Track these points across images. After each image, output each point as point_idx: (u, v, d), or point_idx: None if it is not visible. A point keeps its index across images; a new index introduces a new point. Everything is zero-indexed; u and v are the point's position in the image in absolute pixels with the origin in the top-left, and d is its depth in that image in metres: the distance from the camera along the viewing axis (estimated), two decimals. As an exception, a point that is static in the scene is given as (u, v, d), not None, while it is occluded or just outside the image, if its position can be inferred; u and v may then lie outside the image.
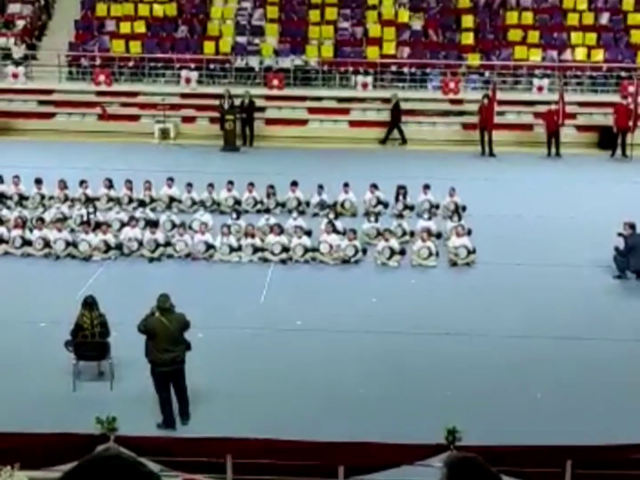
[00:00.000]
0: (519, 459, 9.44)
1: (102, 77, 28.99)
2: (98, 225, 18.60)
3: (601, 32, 29.78)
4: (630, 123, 26.34)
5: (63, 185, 20.63)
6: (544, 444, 9.99)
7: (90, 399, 12.44)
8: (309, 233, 18.58)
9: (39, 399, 12.45)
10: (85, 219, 19.07)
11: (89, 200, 20.00)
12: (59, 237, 18.12)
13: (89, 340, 12.85)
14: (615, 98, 27.63)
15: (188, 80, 29.02)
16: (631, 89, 27.12)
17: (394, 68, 29.43)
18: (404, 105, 28.50)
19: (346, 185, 20.66)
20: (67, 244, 18.09)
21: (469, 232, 18.46)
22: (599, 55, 29.24)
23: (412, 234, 18.79)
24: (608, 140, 27.00)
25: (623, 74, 28.73)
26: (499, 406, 12.50)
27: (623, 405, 12.55)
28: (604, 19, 30.11)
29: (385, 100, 27.99)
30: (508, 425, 11.80)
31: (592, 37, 29.61)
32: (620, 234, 17.26)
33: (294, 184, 20.68)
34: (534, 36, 29.76)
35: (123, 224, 18.87)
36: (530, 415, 12.26)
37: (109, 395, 12.68)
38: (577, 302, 16.10)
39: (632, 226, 17.20)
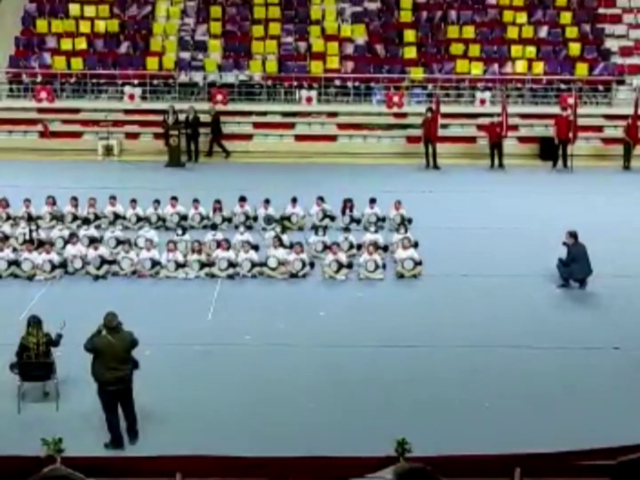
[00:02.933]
0: (468, 469, 9.50)
1: (43, 94, 28.69)
2: (41, 244, 18.34)
3: (540, 45, 30.33)
4: (570, 134, 26.81)
5: (5, 203, 20.33)
6: (493, 453, 10.06)
7: (35, 421, 12.23)
8: (256, 247, 18.55)
9: (-17, 422, 12.21)
10: (28, 237, 18.79)
11: (32, 219, 19.73)
12: (1, 256, 17.82)
13: (34, 361, 12.64)
14: (555, 110, 28.13)
15: (131, 97, 28.84)
16: (570, 100, 27.62)
17: (337, 82, 29.61)
18: (349, 120, 28.71)
19: (294, 199, 20.68)
20: (10, 263, 17.80)
21: (416, 245, 18.60)
22: (538, 67, 29.76)
23: (359, 247, 18.86)
24: (549, 151, 27.47)
25: (562, 86, 29.26)
26: (448, 416, 12.57)
27: (570, 412, 12.70)
28: (543, 32, 30.67)
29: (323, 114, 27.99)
30: (457, 435, 11.87)
31: (531, 50, 30.13)
32: (564, 244, 17.51)
33: (242, 199, 20.65)
34: (475, 50, 30.19)
35: (67, 242, 18.64)
36: (479, 424, 12.35)
37: (54, 416, 12.48)
38: (522, 312, 16.28)
39: (574, 235, 17.45)
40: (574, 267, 17.30)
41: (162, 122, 27.08)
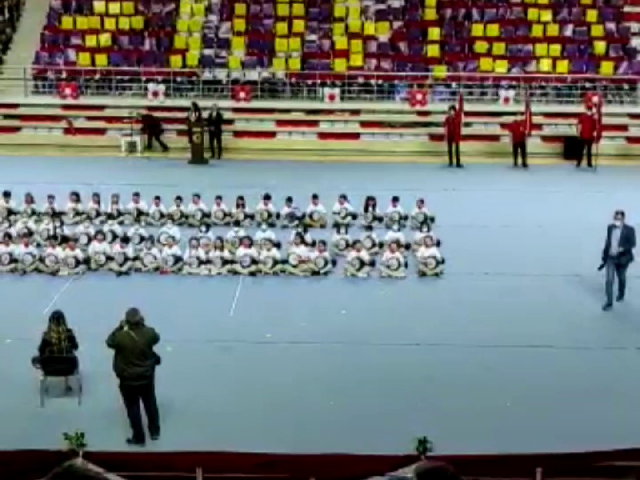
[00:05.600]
0: (489, 468, 9.47)
1: (68, 91, 28.86)
2: (65, 240, 18.45)
3: (565, 44, 30.15)
4: (595, 133, 26.60)
5: (29, 199, 20.46)
6: (514, 452, 10.02)
7: (58, 415, 12.31)
8: (278, 245, 18.56)
9: (6, 416, 12.28)
10: (52, 233, 18.91)
11: (56, 215, 19.84)
12: (26, 251, 17.95)
13: (57, 356, 12.72)
14: (580, 109, 27.94)
15: (155, 94, 28.95)
16: (595, 99, 27.43)
17: (361, 80, 29.58)
18: (372, 117, 28.66)
19: (315, 197, 20.69)
20: (34, 258, 17.90)
21: (438, 243, 18.54)
22: (563, 66, 29.59)
23: (381, 245, 18.84)
24: (573, 150, 27.28)
25: (587, 84, 29.07)
26: (469, 415, 12.52)
27: (593, 412, 12.62)
28: (568, 30, 30.50)
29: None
30: (478, 434, 11.83)
31: (556, 49, 29.97)
32: (610, 227, 16.04)
33: (267, 197, 20.65)
34: (499, 48, 30.06)
35: (90, 238, 18.73)
36: (500, 423, 12.30)
37: (77, 410, 12.55)
38: (544, 311, 16.18)
39: (623, 214, 16.29)
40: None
41: (185, 118, 27.16)
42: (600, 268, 16.23)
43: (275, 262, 17.99)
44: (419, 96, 28.71)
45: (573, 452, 9.86)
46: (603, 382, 13.64)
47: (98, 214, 20.41)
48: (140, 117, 27.47)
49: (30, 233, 18.92)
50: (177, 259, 18.03)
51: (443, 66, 29.73)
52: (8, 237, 18.33)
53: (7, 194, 20.58)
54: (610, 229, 16.12)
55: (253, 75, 29.57)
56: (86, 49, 30.11)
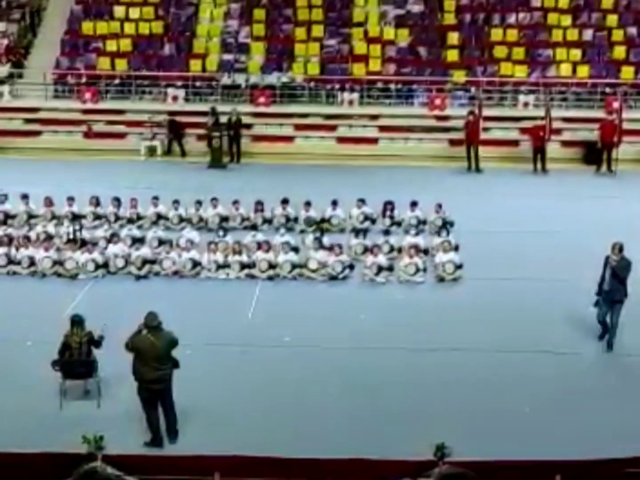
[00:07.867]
0: (508, 474, 9.43)
1: (88, 95, 29.00)
2: (84, 243, 18.53)
3: (585, 48, 30.01)
4: (615, 138, 26.42)
5: (49, 202, 20.56)
6: (533, 459, 9.97)
7: (77, 418, 12.34)
8: (296, 249, 18.56)
9: (26, 419, 12.35)
10: (71, 236, 18.99)
11: (76, 218, 19.92)
12: (45, 255, 18.04)
13: (76, 359, 12.77)
14: (600, 114, 27.78)
15: (175, 98, 29.04)
16: (615, 104, 27.28)
17: (380, 85, 29.56)
18: (390, 122, 28.62)
19: (334, 202, 20.66)
20: (54, 262, 18.00)
21: (456, 248, 18.49)
22: (583, 71, 29.45)
23: (399, 250, 18.80)
24: (593, 155, 27.11)
25: (607, 89, 28.92)
26: (488, 421, 12.47)
27: (611, 417, 12.54)
28: (588, 35, 30.34)
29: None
30: (497, 440, 11.77)
31: (576, 54, 29.83)
32: (607, 258, 14.90)
33: (285, 201, 20.66)
34: (519, 53, 29.96)
35: (109, 242, 18.79)
36: (519, 429, 12.24)
37: (96, 413, 12.60)
38: (563, 317, 16.08)
39: (621, 249, 14.94)
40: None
41: (204, 123, 27.24)
42: (595, 305, 15.03)
43: (294, 266, 17.99)
44: (438, 101, 28.66)
45: (593, 458, 9.81)
46: (621, 388, 13.54)
47: (117, 218, 20.48)
48: (166, 123, 27.59)
49: (50, 237, 19.01)
50: (196, 263, 18.07)
51: (462, 71, 29.66)
52: (27, 240, 18.45)
53: (26, 197, 20.70)
54: (607, 261, 14.90)
55: (272, 80, 29.61)
56: (106, 54, 30.24)
